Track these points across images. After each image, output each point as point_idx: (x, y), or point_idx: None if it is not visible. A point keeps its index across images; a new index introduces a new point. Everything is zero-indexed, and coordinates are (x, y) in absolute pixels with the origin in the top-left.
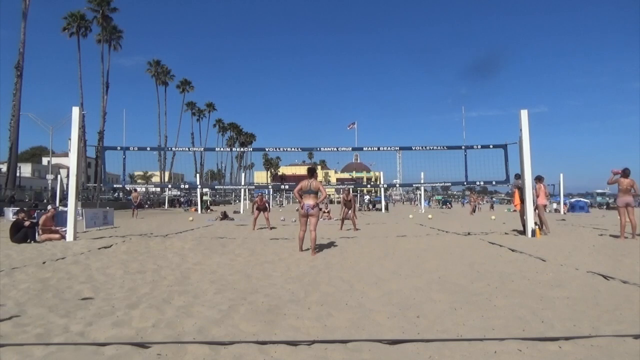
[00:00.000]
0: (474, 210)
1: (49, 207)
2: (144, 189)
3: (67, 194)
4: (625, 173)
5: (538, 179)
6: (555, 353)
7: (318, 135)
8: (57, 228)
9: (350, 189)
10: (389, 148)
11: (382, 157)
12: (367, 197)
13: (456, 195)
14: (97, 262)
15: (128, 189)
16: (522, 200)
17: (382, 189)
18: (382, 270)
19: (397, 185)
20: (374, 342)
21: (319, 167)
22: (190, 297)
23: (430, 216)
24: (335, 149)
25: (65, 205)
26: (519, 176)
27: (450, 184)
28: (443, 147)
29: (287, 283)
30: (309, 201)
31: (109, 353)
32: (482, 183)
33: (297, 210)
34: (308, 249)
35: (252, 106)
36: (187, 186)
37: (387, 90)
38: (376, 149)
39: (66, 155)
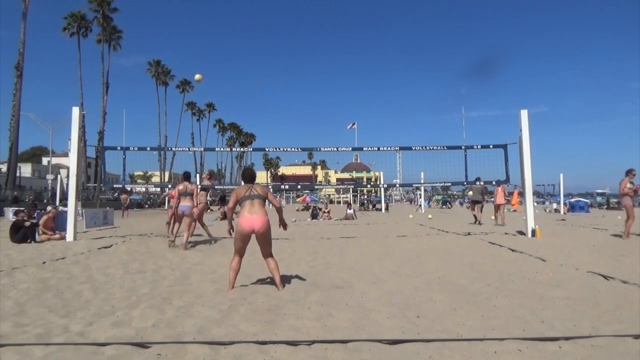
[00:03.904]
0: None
1: (49, 207)
2: (144, 189)
3: (67, 194)
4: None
5: (497, 183)
6: (555, 353)
7: (318, 135)
8: (56, 233)
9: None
10: (389, 148)
11: (382, 157)
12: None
13: (456, 195)
14: (97, 262)
15: (128, 189)
16: (476, 201)
17: (382, 189)
18: (382, 270)
19: (397, 186)
20: (374, 342)
21: (319, 167)
22: (190, 297)
23: (430, 216)
24: (335, 149)
25: (65, 206)
26: (479, 179)
27: (450, 184)
28: (443, 147)
29: (286, 283)
30: (186, 202)
31: (109, 353)
32: (482, 183)
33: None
34: (177, 246)
35: (252, 106)
36: None
37: (387, 90)
38: (376, 149)
39: (66, 155)
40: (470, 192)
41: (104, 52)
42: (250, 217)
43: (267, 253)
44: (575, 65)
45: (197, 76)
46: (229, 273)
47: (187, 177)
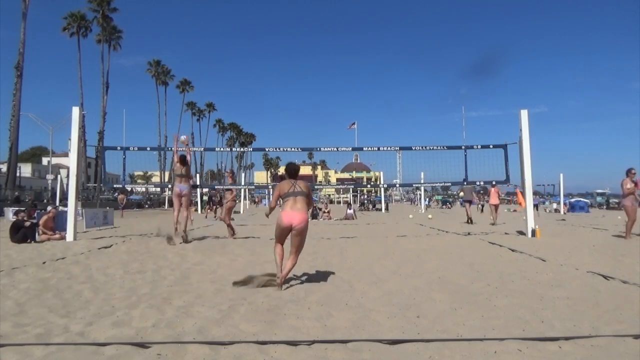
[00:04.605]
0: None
1: (49, 207)
2: (144, 189)
3: (67, 194)
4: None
5: (492, 185)
6: (555, 353)
7: (318, 135)
8: (56, 233)
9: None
10: (389, 148)
11: (382, 157)
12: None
13: (456, 195)
14: (97, 262)
15: (129, 189)
16: (468, 201)
17: (382, 189)
18: (382, 270)
19: (397, 186)
20: (374, 342)
21: (319, 167)
22: (190, 297)
23: (430, 216)
24: (335, 149)
25: (65, 206)
26: (467, 182)
27: (450, 184)
28: (443, 147)
29: (287, 283)
30: (184, 184)
31: (109, 353)
32: (482, 183)
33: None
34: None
35: (252, 106)
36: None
37: (387, 90)
38: (376, 149)
39: (66, 155)
40: (462, 193)
41: (104, 52)
42: (292, 212)
43: (295, 250)
44: (575, 65)
45: (183, 138)
46: (276, 258)
47: (182, 161)
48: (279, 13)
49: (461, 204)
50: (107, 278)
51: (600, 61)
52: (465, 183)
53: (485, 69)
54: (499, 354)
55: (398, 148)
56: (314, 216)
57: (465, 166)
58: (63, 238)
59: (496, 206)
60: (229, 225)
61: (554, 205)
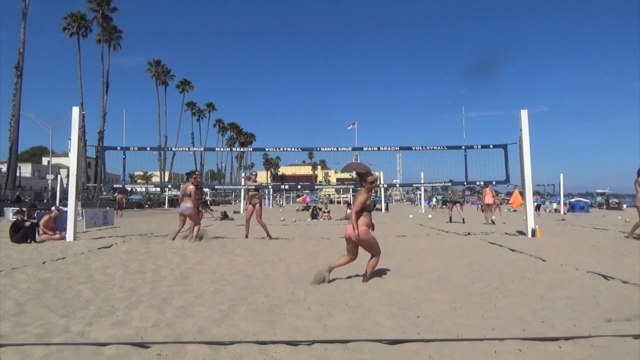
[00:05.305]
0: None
1: (52, 208)
2: (144, 189)
3: (67, 194)
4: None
5: (485, 184)
6: (555, 353)
7: (318, 135)
8: (56, 233)
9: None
10: (389, 148)
11: (382, 157)
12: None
13: (446, 195)
14: (97, 262)
15: (129, 189)
16: (456, 202)
17: (382, 189)
18: (382, 270)
19: (397, 186)
20: (374, 342)
21: (319, 167)
22: (190, 297)
23: (430, 216)
24: (335, 149)
25: (65, 206)
26: (453, 182)
27: (450, 184)
28: (443, 147)
29: (287, 283)
30: (186, 204)
31: (109, 353)
32: (482, 183)
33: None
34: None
35: (252, 106)
36: None
37: (387, 90)
38: (376, 149)
39: (66, 155)
40: (451, 194)
41: (103, 52)
42: (349, 226)
43: (370, 254)
44: (575, 65)
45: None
46: (339, 259)
47: (188, 175)
48: (279, 13)
49: (461, 203)
50: (107, 278)
51: (600, 61)
52: (464, 183)
53: (485, 69)
54: (499, 354)
55: (398, 148)
56: (314, 216)
57: (465, 166)
58: (63, 238)
59: (490, 205)
60: (264, 226)
61: (554, 205)
